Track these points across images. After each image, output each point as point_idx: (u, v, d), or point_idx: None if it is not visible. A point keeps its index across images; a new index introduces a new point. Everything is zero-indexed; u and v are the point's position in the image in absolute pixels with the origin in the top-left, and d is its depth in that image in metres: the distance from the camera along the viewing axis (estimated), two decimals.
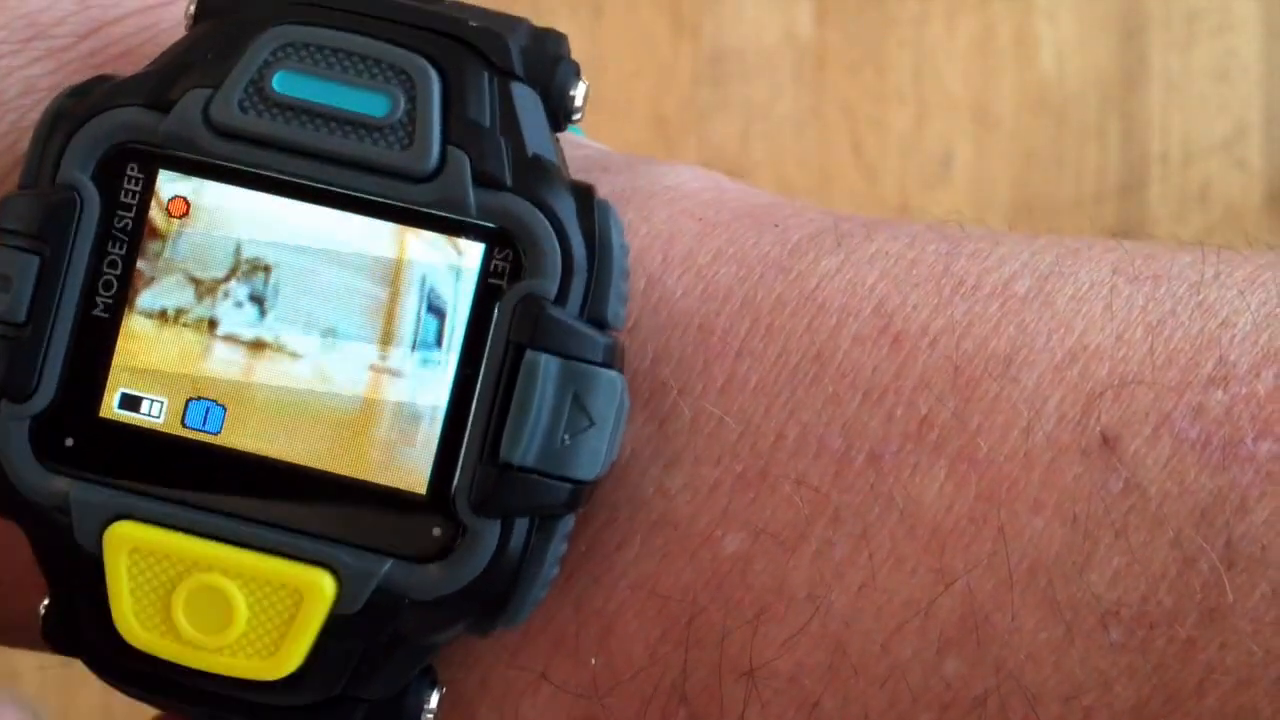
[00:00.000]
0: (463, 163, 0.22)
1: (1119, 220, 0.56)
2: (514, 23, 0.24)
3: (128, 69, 0.24)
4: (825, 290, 0.24)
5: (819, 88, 0.57)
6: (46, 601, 0.23)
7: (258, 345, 0.23)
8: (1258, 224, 0.56)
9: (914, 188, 0.57)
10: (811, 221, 0.25)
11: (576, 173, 0.24)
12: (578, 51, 0.25)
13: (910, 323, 0.23)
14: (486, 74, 0.23)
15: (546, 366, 0.22)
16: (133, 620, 0.22)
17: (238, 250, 0.23)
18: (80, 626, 0.23)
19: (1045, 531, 0.22)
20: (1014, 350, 0.23)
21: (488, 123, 0.23)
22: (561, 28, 0.24)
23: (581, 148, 0.25)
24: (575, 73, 0.23)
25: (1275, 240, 0.55)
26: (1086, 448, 0.22)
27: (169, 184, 0.23)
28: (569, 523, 0.23)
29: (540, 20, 0.25)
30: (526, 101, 0.23)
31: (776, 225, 0.25)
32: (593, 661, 0.24)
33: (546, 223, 0.22)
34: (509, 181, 0.22)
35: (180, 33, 0.24)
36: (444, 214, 0.22)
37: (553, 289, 0.22)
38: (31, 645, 0.26)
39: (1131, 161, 0.57)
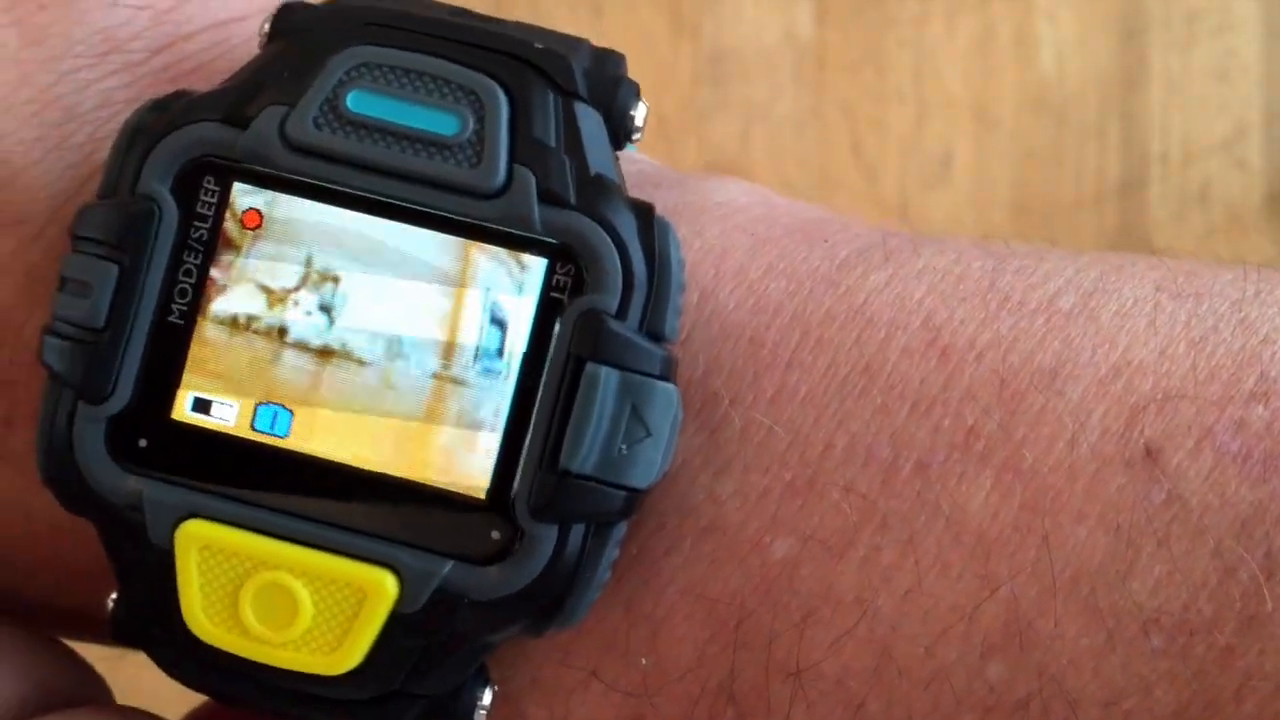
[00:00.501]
0: (529, 181, 0.23)
1: (1119, 220, 0.56)
2: (576, 44, 0.25)
3: (200, 83, 0.25)
4: (874, 304, 0.24)
5: (819, 88, 0.57)
6: (114, 596, 0.24)
7: (325, 352, 0.24)
8: (1258, 224, 0.56)
9: (914, 187, 0.57)
10: (859, 237, 0.26)
11: (630, 188, 0.25)
12: None
13: (957, 336, 0.24)
14: (551, 95, 0.24)
15: (607, 379, 0.23)
16: (201, 615, 0.23)
17: (308, 261, 0.24)
18: (147, 620, 0.24)
19: (1089, 540, 0.23)
20: (1059, 364, 0.24)
21: (553, 142, 0.23)
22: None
23: (635, 163, 0.26)
24: (635, 93, 0.24)
25: (1275, 240, 0.55)
26: (1130, 460, 0.23)
27: (243, 196, 0.24)
28: (622, 529, 0.24)
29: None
30: (589, 121, 0.24)
31: (826, 241, 0.25)
32: (643, 662, 0.24)
33: (609, 240, 0.23)
34: (573, 199, 0.23)
35: (251, 49, 0.25)
36: (509, 230, 0.23)
37: (614, 304, 0.23)
38: (94, 638, 0.27)
39: (1131, 161, 0.57)
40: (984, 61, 0.57)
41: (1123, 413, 0.23)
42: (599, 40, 0.25)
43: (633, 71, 0.26)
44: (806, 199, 0.27)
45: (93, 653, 0.28)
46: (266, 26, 0.24)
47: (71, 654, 0.27)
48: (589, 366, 0.23)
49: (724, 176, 0.27)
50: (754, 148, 0.55)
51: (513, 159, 0.23)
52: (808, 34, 0.58)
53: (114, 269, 0.23)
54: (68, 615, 0.27)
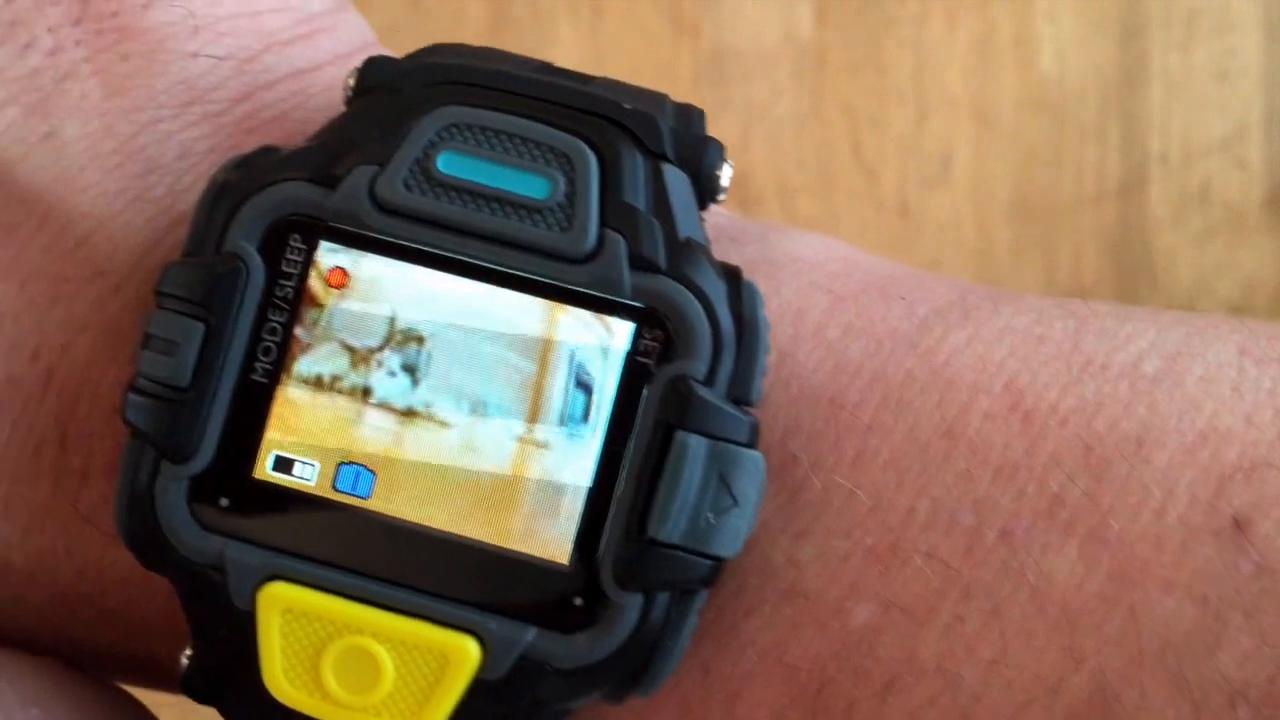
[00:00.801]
0: (619, 246, 0.23)
1: (1119, 220, 0.56)
2: (660, 101, 0.24)
3: (279, 133, 0.25)
4: (955, 366, 0.24)
5: (819, 88, 0.57)
6: (188, 652, 0.24)
7: (409, 414, 0.23)
8: (1258, 224, 0.56)
9: (914, 187, 0.57)
10: (937, 294, 0.25)
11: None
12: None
13: (1041, 400, 0.24)
14: (641, 157, 0.23)
15: (696, 448, 0.23)
16: (282, 678, 0.23)
17: (393, 321, 0.23)
18: (222, 679, 0.24)
19: (1176, 611, 0.23)
20: (1145, 431, 0.23)
21: (642, 206, 0.23)
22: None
23: (710, 215, 0.26)
24: (721, 153, 0.24)
25: (1276, 240, 0.55)
26: (1218, 530, 0.23)
27: (329, 255, 0.23)
28: (704, 596, 0.23)
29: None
30: (677, 184, 0.24)
31: (903, 298, 0.25)
32: None
33: (699, 306, 0.23)
34: (663, 264, 0.23)
35: (329, 98, 0.25)
36: (599, 294, 0.23)
37: (703, 370, 0.23)
38: (162, 687, 0.27)
39: (1131, 161, 0.57)
40: (984, 61, 0.57)
41: (1210, 481, 0.23)
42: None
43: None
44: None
45: (154, 699, 0.28)
46: (352, 81, 0.24)
47: (130, 700, 0.27)
48: (678, 435, 0.23)
49: (798, 230, 0.27)
50: (754, 147, 0.55)
51: (603, 223, 0.23)
52: (808, 34, 0.58)
53: (200, 327, 0.23)
54: (135, 664, 0.27)
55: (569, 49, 0.56)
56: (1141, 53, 0.57)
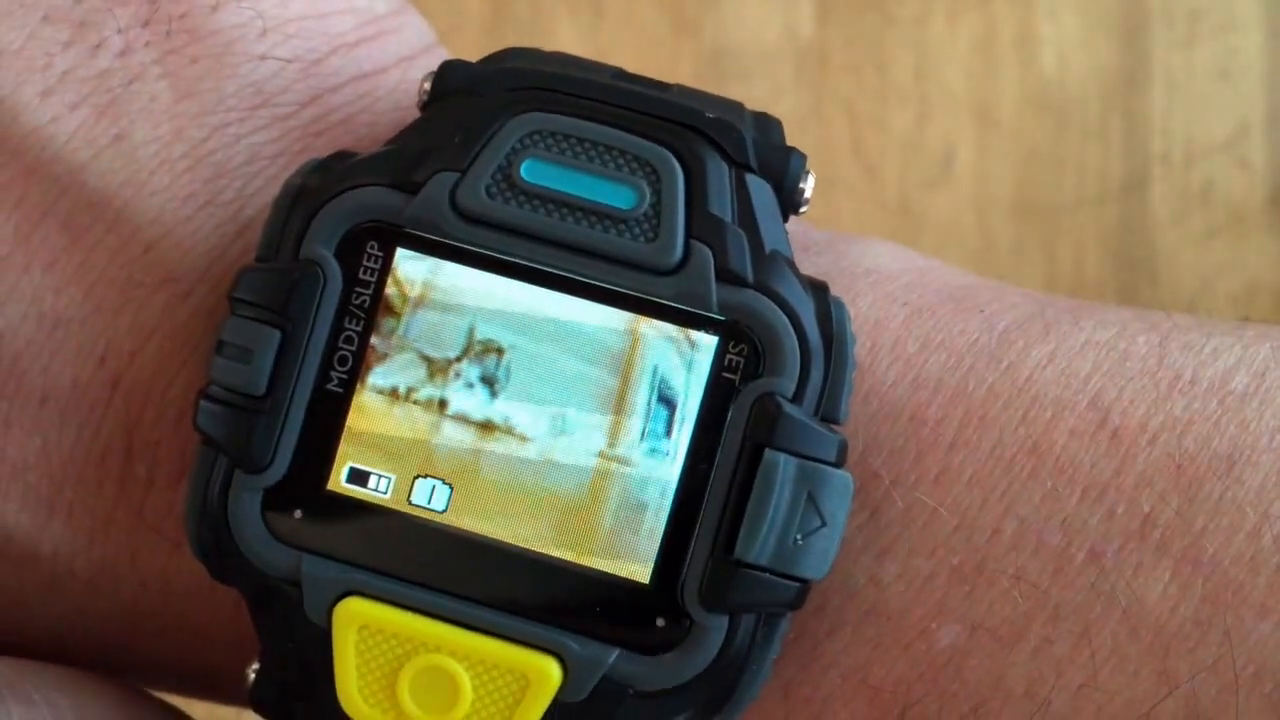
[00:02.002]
0: (706, 258, 0.23)
1: (1121, 220, 0.56)
2: (740, 110, 0.24)
3: (346, 137, 0.25)
4: (1038, 382, 0.24)
5: (820, 87, 0.57)
6: (255, 666, 0.24)
7: (487, 427, 0.23)
8: (1260, 224, 0.56)
9: (915, 187, 0.57)
10: (1015, 306, 0.25)
11: None
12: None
13: (1129, 418, 0.23)
14: (726, 167, 0.23)
15: (785, 468, 0.22)
16: (357, 696, 0.23)
17: (471, 331, 0.23)
18: (291, 695, 0.23)
19: (1272, 636, 0.22)
20: (1236, 450, 0.23)
21: (728, 217, 0.23)
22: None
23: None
24: (804, 164, 0.24)
25: (1278, 240, 0.55)
26: None
27: (407, 263, 0.23)
28: (788, 620, 0.23)
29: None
30: (761, 194, 0.23)
31: (981, 311, 0.25)
32: None
33: (788, 321, 0.23)
34: (750, 278, 0.23)
35: (396, 100, 0.25)
36: (685, 307, 0.23)
37: (791, 387, 0.23)
38: (224, 700, 0.27)
39: (1133, 161, 0.56)
40: (985, 61, 0.57)
41: None
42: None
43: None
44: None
45: (199, 709, 0.27)
46: (427, 85, 0.24)
47: (174, 711, 0.26)
48: (767, 454, 0.22)
49: (869, 238, 0.27)
50: None
51: (689, 234, 0.23)
52: (808, 33, 0.57)
53: (276, 335, 0.23)
54: (197, 678, 0.27)
55: (569, 48, 0.56)
56: (1143, 52, 0.57)
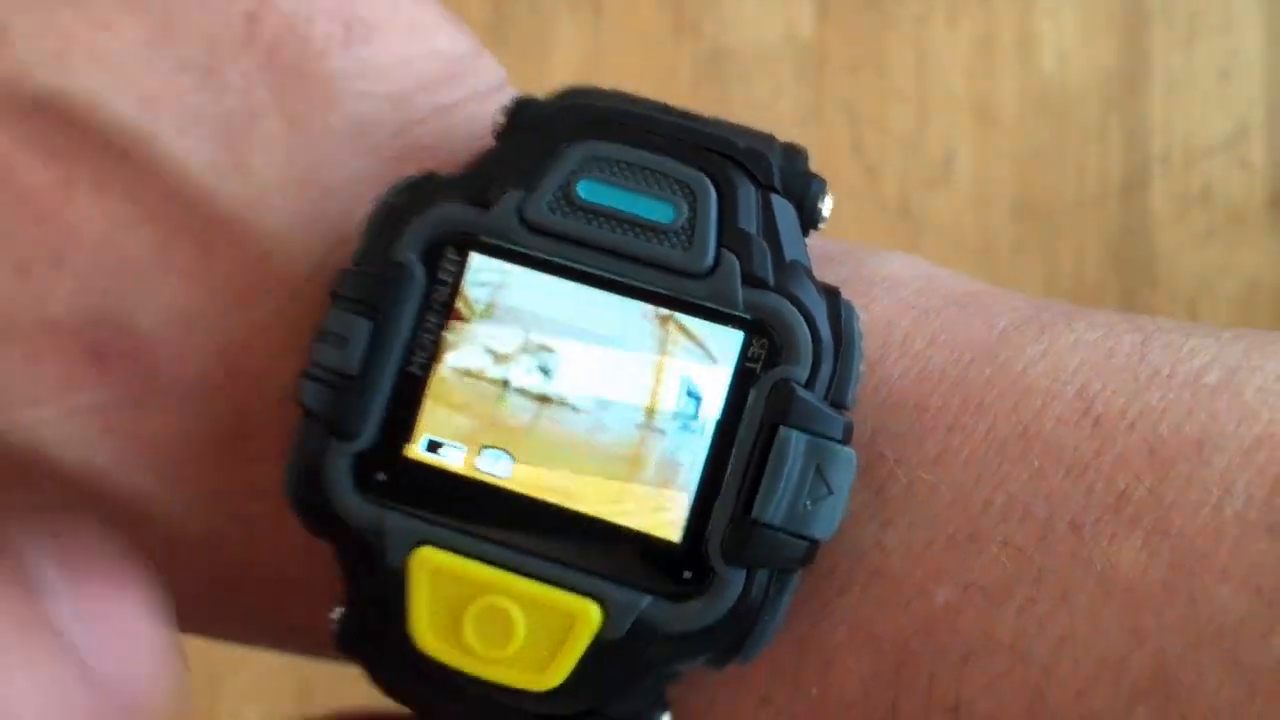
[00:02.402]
0: (734, 264, 0.26)
1: (1121, 220, 0.56)
2: (770, 140, 0.28)
3: (429, 161, 0.29)
4: (1030, 375, 0.27)
5: (820, 87, 0.57)
6: (339, 610, 0.28)
7: (544, 399, 0.27)
8: (1259, 224, 0.56)
9: (915, 187, 0.57)
10: (1015, 309, 0.28)
11: None
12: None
13: (1110, 407, 0.26)
14: (753, 189, 0.27)
15: (796, 442, 0.26)
16: (428, 632, 0.26)
17: (528, 329, 0.27)
18: (368, 635, 0.27)
19: (1232, 599, 0.25)
20: (1205, 436, 0.26)
21: (754, 231, 0.27)
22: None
23: (810, 240, 0.29)
24: (823, 188, 0.28)
25: (1278, 240, 0.55)
26: (1272, 526, 0.25)
27: (479, 265, 0.27)
28: (798, 577, 0.26)
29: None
30: (784, 212, 0.27)
31: (983, 313, 0.28)
32: (813, 692, 0.27)
33: (802, 319, 0.26)
34: (771, 282, 0.26)
35: (470, 130, 0.29)
36: (715, 306, 0.26)
37: (804, 375, 0.26)
38: (302, 651, 0.31)
39: (1133, 161, 0.56)
40: (985, 61, 0.57)
41: (1265, 482, 0.25)
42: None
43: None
44: None
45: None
46: (501, 118, 0.28)
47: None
48: (781, 430, 0.26)
49: (885, 250, 0.30)
50: None
51: (720, 244, 0.26)
52: (808, 34, 0.58)
53: (368, 324, 0.27)
54: (282, 631, 0.31)
55: (569, 49, 0.56)
56: (1143, 52, 0.57)
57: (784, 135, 0.28)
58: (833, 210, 0.29)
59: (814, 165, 0.27)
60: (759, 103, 0.57)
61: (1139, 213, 0.57)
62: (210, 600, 0.30)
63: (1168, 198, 0.57)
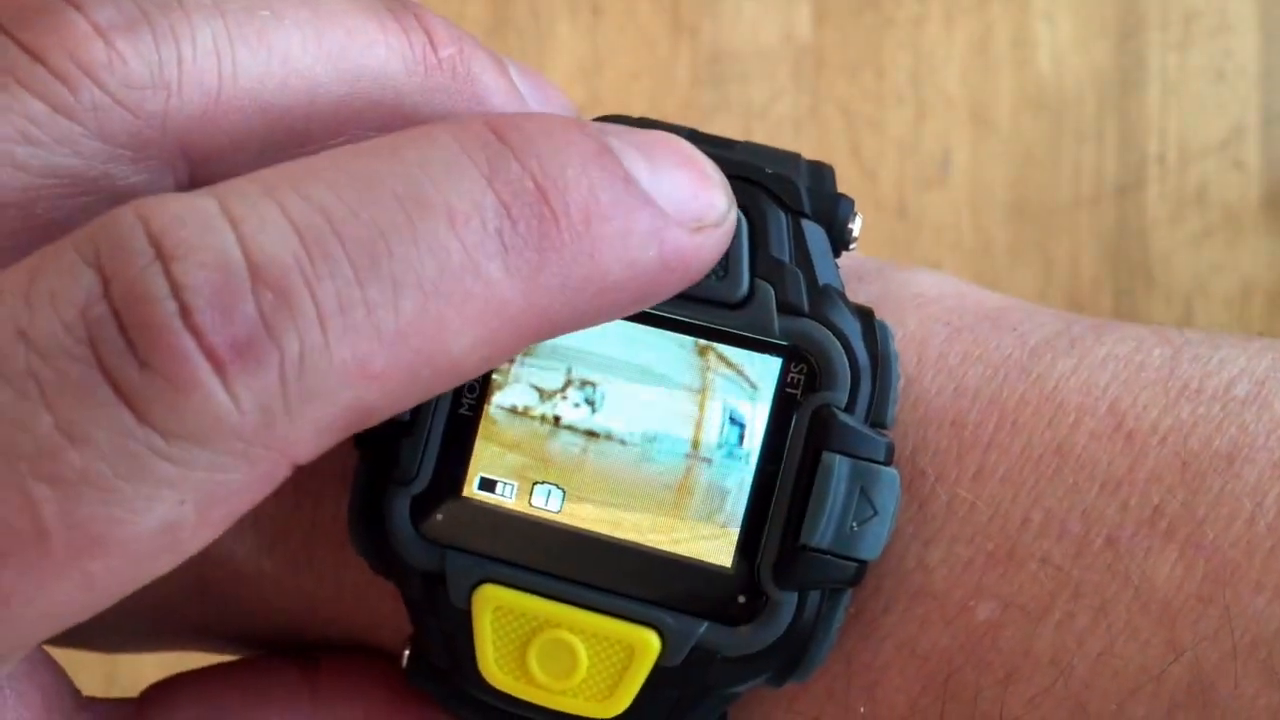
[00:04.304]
0: (769, 293, 0.27)
1: (1116, 221, 0.56)
2: (796, 161, 0.28)
3: None
4: (1063, 390, 0.27)
5: (817, 89, 0.57)
6: (408, 651, 0.28)
7: (591, 434, 0.27)
8: (1255, 225, 0.56)
9: (912, 188, 0.57)
10: (1044, 324, 0.29)
11: None
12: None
13: (1141, 421, 0.27)
14: (783, 215, 0.27)
15: (839, 467, 0.26)
16: (494, 666, 0.27)
17: (571, 362, 0.27)
18: (439, 668, 0.28)
19: (1267, 610, 0.25)
20: (1235, 449, 0.26)
21: (786, 258, 0.27)
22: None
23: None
24: (852, 208, 0.28)
25: (1273, 241, 0.55)
26: None
27: None
28: (849, 595, 0.27)
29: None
30: (815, 236, 0.27)
31: (1014, 328, 0.29)
32: (861, 710, 0.27)
33: (838, 344, 0.27)
34: (806, 308, 0.27)
35: None
36: (752, 335, 0.27)
37: (843, 399, 0.27)
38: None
39: (1129, 162, 0.57)
40: (982, 63, 0.57)
41: None
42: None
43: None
44: None
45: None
46: None
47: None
48: (824, 455, 0.26)
49: (916, 267, 0.31)
50: None
51: (754, 274, 0.27)
52: (806, 35, 0.58)
53: None
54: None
55: (568, 49, 0.56)
56: (1139, 54, 0.57)
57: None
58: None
59: None
60: (757, 104, 0.57)
61: (1135, 213, 0.57)
62: (293, 635, 0.31)
63: (1163, 198, 0.57)
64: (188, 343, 0.20)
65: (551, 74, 0.57)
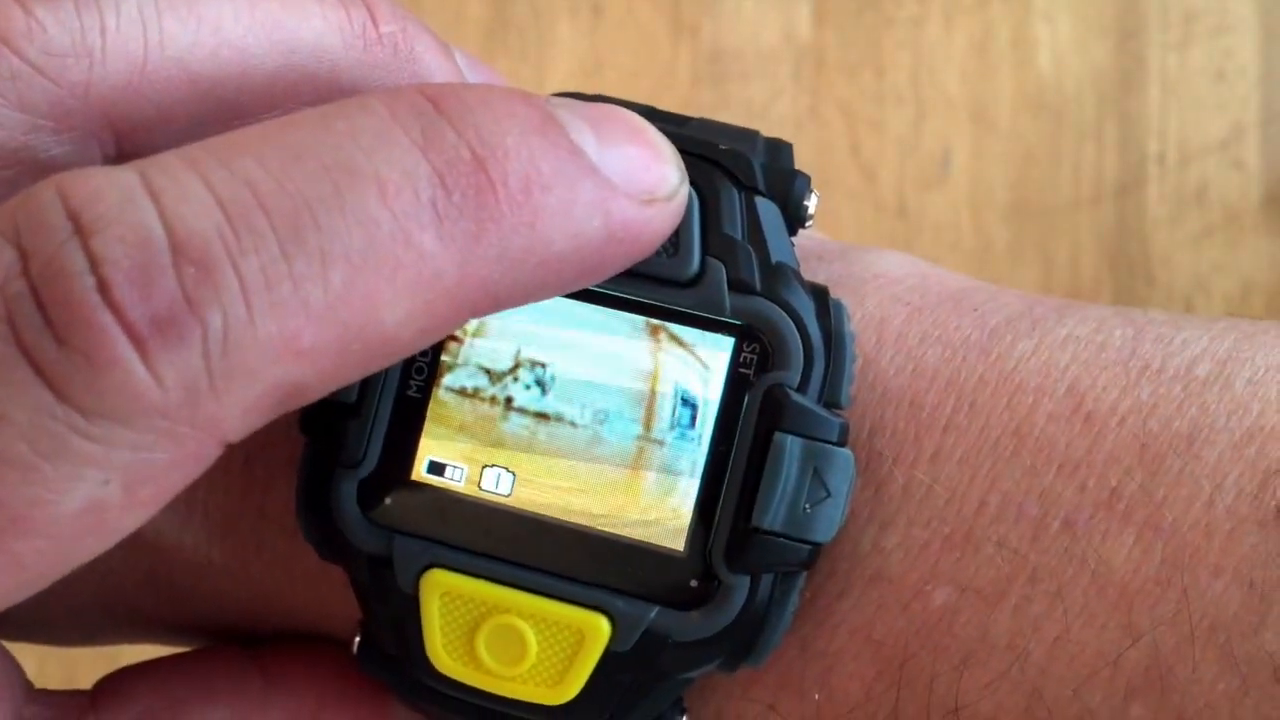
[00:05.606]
0: (720, 271, 0.26)
1: (1116, 220, 0.56)
2: (752, 138, 0.28)
3: None
4: (1022, 371, 0.27)
5: (817, 88, 0.57)
6: (359, 638, 0.28)
7: (542, 415, 0.27)
8: (1255, 225, 0.56)
9: (912, 188, 0.57)
10: (1006, 306, 0.28)
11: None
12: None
13: (1100, 403, 0.26)
14: (736, 192, 0.26)
15: (792, 447, 0.26)
16: (442, 652, 0.27)
17: (521, 342, 0.27)
18: (389, 654, 0.28)
19: (1225, 593, 0.25)
20: (1195, 430, 0.26)
21: (739, 235, 0.26)
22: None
23: (799, 237, 0.28)
24: (808, 185, 0.27)
25: (1273, 241, 0.55)
26: (1263, 519, 0.25)
27: None
28: (803, 578, 0.27)
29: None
30: (768, 214, 0.27)
31: (975, 309, 0.28)
32: (815, 697, 0.27)
33: (791, 322, 0.26)
34: (758, 287, 0.26)
35: None
36: (703, 314, 0.26)
37: (796, 379, 0.26)
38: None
39: (1129, 162, 0.57)
40: (982, 63, 0.57)
41: (1256, 476, 0.25)
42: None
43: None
44: None
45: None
46: None
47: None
48: (776, 436, 0.26)
49: (880, 249, 0.30)
50: None
51: (705, 251, 0.26)
52: (807, 35, 0.58)
53: None
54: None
55: (569, 49, 0.56)
56: (1139, 53, 0.57)
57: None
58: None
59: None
60: (757, 104, 0.57)
61: (1134, 213, 0.57)
62: (248, 626, 0.30)
63: (1163, 198, 0.57)
64: (106, 318, 0.20)
65: (551, 74, 0.57)
